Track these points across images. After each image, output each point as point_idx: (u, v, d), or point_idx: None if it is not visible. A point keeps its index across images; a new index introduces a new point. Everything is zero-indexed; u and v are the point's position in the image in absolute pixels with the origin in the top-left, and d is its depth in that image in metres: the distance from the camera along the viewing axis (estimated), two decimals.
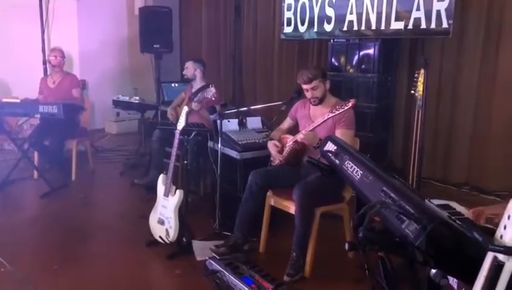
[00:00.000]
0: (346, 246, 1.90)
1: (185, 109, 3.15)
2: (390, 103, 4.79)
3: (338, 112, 2.67)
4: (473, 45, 4.37)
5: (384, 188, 1.25)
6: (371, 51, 4.50)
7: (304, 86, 2.97)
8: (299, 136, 2.82)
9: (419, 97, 2.64)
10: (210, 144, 3.75)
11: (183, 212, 3.22)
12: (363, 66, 4.60)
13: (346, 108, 2.64)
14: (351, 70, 4.71)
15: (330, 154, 1.79)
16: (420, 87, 2.63)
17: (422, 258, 1.02)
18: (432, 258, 1.00)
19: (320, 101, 2.98)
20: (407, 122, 4.96)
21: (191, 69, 4.38)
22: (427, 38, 4.48)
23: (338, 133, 2.87)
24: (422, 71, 2.63)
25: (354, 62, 4.66)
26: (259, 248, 3.22)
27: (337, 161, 1.74)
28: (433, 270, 1.11)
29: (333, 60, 4.82)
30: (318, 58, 5.60)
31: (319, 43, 5.54)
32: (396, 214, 1.09)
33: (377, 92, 4.52)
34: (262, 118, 3.71)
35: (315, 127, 2.80)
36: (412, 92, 2.69)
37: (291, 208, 2.95)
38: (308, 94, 2.98)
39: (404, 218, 1.05)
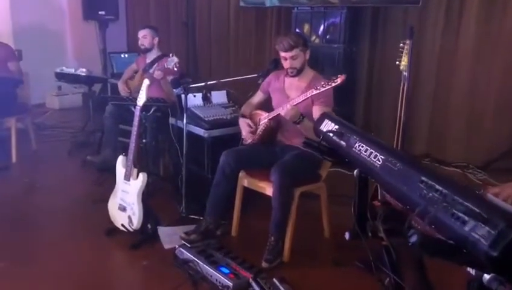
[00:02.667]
0: (347, 235, 1.73)
1: (146, 82, 2.81)
2: (355, 75, 4.66)
3: (325, 89, 2.45)
4: (435, 14, 4.30)
5: (424, 179, 1.06)
6: (336, 20, 4.31)
7: (283, 54, 2.72)
8: (281, 111, 2.58)
9: (404, 69, 2.47)
10: (171, 120, 3.44)
11: (147, 196, 2.93)
12: (328, 36, 4.41)
13: (334, 85, 2.42)
14: (316, 40, 4.51)
15: (332, 135, 1.58)
16: (405, 58, 2.46)
17: (493, 269, 0.84)
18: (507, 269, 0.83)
19: (298, 72, 2.76)
20: (368, 95, 4.90)
21: (149, 37, 3.97)
22: (389, 8, 4.36)
23: (316, 110, 2.67)
24: (408, 41, 2.46)
25: (319, 32, 4.46)
26: (232, 231, 3.01)
27: (342, 143, 1.53)
28: (487, 276, 0.94)
29: (297, 29, 4.58)
30: (277, 27, 5.37)
31: (278, 11, 5.28)
32: (451, 212, 0.90)
33: (343, 64, 4.37)
34: (229, 90, 3.42)
35: (298, 104, 2.57)
36: (397, 62, 2.52)
37: (267, 189, 2.75)
38: (286, 64, 2.74)
39: (466, 218, 0.86)
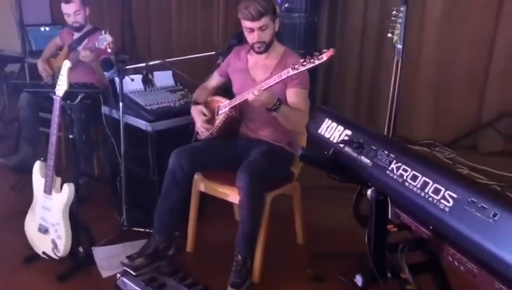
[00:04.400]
0: (359, 280, 1.24)
1: (66, 64, 2.13)
2: (316, 49, 4.15)
3: (306, 68, 1.88)
4: None
5: None
6: None
7: (249, 25, 2.14)
8: (249, 97, 2.01)
9: (398, 42, 1.98)
10: (105, 109, 2.76)
11: (76, 211, 2.29)
12: (287, 5, 3.84)
13: (318, 63, 1.84)
14: None
15: (344, 146, 1.05)
16: (398, 29, 1.96)
17: None
18: None
19: (267, 47, 2.19)
20: (328, 71, 4.50)
21: (82, 11, 3.16)
22: None
23: (290, 94, 2.14)
24: (402, 8, 1.96)
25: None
26: (187, 246, 2.45)
27: (363, 160, 1.00)
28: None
29: None
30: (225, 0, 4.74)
31: None
32: None
33: (304, 36, 3.85)
34: (175, 71, 2.79)
35: (270, 87, 2.00)
36: (389, 35, 2.02)
37: (230, 195, 2.21)
38: (253, 37, 2.17)
39: None
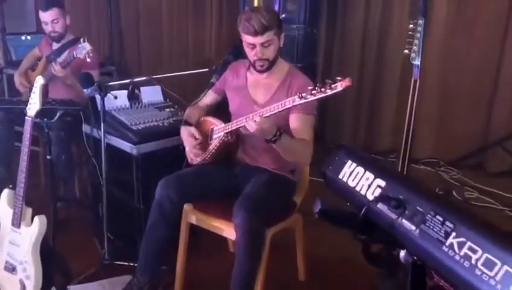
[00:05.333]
0: None
1: (39, 80, 1.86)
2: (316, 62, 3.95)
3: (316, 98, 1.57)
4: None
5: None
6: None
7: (251, 40, 1.87)
8: (246, 124, 1.76)
9: (416, 58, 1.75)
10: (86, 128, 2.50)
11: (51, 244, 2.02)
12: (284, 15, 3.61)
13: (330, 93, 1.53)
14: None
15: (381, 203, 0.80)
16: (416, 44, 1.73)
17: None
18: None
19: (270, 66, 1.95)
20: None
21: (61, 20, 2.89)
22: None
23: (294, 119, 1.88)
24: (420, 21, 1.73)
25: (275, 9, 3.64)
26: (175, 284, 2.18)
27: (409, 227, 0.76)
28: None
29: (246, 6, 3.74)
30: (219, 4, 4.50)
31: None
32: None
33: (303, 48, 3.63)
34: (164, 89, 2.54)
35: (274, 113, 1.74)
36: (406, 51, 1.79)
37: (225, 230, 1.96)
38: (254, 53, 1.90)
39: None
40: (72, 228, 2.65)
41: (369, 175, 0.88)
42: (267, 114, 1.72)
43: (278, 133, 1.74)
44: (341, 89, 1.49)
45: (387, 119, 4.12)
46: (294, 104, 1.64)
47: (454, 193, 3.37)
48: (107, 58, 4.84)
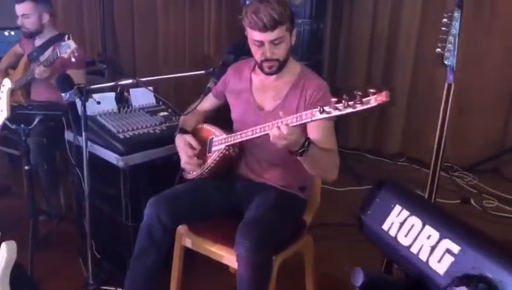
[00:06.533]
0: None
1: (7, 84, 1.58)
2: (322, 60, 3.69)
3: (345, 112, 1.25)
4: None
5: None
6: None
7: (258, 36, 1.59)
8: (273, 132, 1.41)
9: (450, 58, 1.48)
10: (68, 135, 2.23)
11: (23, 271, 1.76)
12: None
13: (364, 108, 1.21)
14: None
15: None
16: (451, 42, 1.46)
17: None
18: None
19: (280, 67, 1.66)
20: (330, 84, 4.03)
21: (33, 16, 2.61)
22: None
23: (313, 128, 1.59)
24: (456, 14, 1.46)
25: None
26: None
27: None
28: None
29: (247, 0, 3.45)
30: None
31: None
32: None
33: (308, 45, 3.36)
34: (158, 97, 2.27)
35: (297, 125, 1.41)
36: (438, 50, 1.51)
37: (226, 257, 1.69)
38: (262, 53, 1.61)
39: None
40: (54, 245, 2.39)
41: (432, 232, 0.61)
42: (295, 123, 1.40)
43: (307, 144, 1.45)
44: (375, 105, 1.19)
45: (396, 121, 3.90)
46: (314, 119, 1.34)
47: (472, 201, 3.13)
48: (99, 55, 4.56)
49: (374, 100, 1.19)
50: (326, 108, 1.29)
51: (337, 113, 1.27)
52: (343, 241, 2.47)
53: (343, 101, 1.24)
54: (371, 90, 1.20)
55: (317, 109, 1.32)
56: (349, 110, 1.23)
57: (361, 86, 3.94)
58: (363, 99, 1.21)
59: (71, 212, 2.59)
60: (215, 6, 4.27)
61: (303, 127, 1.47)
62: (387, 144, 3.97)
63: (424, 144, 3.92)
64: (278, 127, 1.40)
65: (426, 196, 1.70)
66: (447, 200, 2.95)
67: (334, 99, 1.27)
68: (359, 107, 1.21)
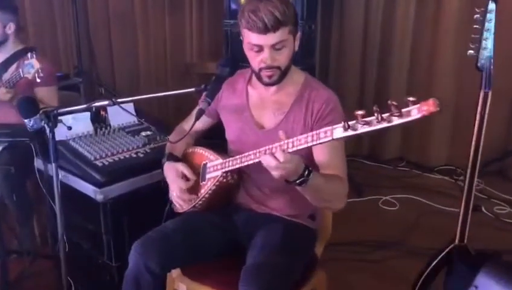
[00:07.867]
0: None
1: None
2: (314, 64, 3.48)
3: (382, 126, 0.99)
4: None
5: None
6: None
7: (256, 40, 1.34)
8: (265, 160, 1.17)
9: (483, 62, 1.25)
10: (38, 163, 1.94)
11: None
12: None
13: (401, 122, 0.97)
14: None
15: None
16: (488, 41, 1.23)
17: None
18: None
19: (281, 77, 1.42)
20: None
21: None
22: None
23: (319, 150, 1.35)
24: (491, 7, 1.23)
25: None
26: None
27: None
28: None
29: (232, 3, 3.20)
30: (199, 2, 3.98)
31: None
32: None
33: (301, 48, 3.10)
34: (137, 107, 2.00)
35: (298, 150, 1.16)
36: (471, 51, 1.28)
37: None
38: (261, 60, 1.37)
39: None
40: (27, 288, 2.10)
41: None
42: (293, 148, 1.16)
43: (307, 173, 1.21)
44: (419, 116, 0.94)
45: (394, 128, 3.72)
46: (337, 137, 1.08)
47: (483, 209, 2.93)
48: (75, 68, 4.25)
49: (417, 111, 0.94)
50: (352, 123, 1.03)
51: (366, 129, 1.01)
52: (356, 260, 2.30)
53: (376, 114, 0.98)
54: (410, 99, 0.95)
55: (341, 126, 1.06)
56: (384, 124, 0.98)
57: (356, 90, 3.80)
58: (403, 110, 0.96)
59: (46, 246, 2.31)
60: (197, 10, 4.04)
61: (307, 147, 1.21)
62: (385, 148, 3.81)
63: (425, 147, 3.78)
64: (272, 154, 1.16)
65: (462, 209, 1.52)
66: (455, 208, 2.77)
67: (360, 112, 1.02)
68: (396, 121, 0.96)
